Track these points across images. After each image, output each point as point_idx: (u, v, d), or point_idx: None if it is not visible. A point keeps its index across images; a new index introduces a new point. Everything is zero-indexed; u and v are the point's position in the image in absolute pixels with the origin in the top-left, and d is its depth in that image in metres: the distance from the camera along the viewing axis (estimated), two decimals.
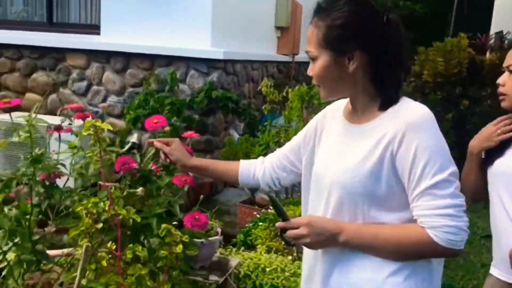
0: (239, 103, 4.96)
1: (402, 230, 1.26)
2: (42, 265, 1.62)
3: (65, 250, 1.78)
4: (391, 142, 1.25)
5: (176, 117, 4.48)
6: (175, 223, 1.87)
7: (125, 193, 1.46)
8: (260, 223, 2.89)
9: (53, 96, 5.49)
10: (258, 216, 3.14)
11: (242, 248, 2.89)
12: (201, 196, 2.26)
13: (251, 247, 2.92)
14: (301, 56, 7.27)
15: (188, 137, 2.05)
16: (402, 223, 1.28)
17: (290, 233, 1.34)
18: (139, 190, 1.56)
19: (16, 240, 1.55)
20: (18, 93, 5.56)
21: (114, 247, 1.41)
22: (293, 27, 6.94)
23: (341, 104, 1.49)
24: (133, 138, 5.25)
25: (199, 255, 2.10)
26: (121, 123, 5.18)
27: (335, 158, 1.36)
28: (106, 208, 1.38)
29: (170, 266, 1.59)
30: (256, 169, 1.71)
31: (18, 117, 1.80)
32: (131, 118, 4.42)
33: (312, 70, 1.34)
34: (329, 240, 1.29)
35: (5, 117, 4.09)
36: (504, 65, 1.73)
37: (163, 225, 1.45)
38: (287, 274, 2.36)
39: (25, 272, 1.56)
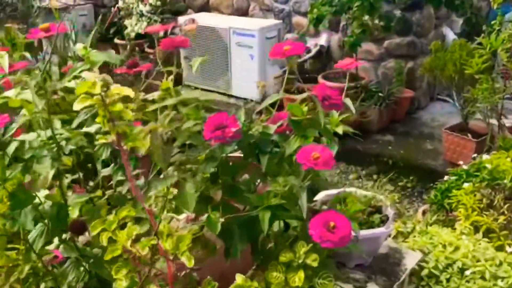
0: None
1: None
2: None
3: None
4: None
5: (368, 15, 3.53)
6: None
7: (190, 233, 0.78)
8: (466, 184, 1.97)
9: None
10: (464, 166, 2.19)
11: (434, 212, 2.05)
12: None
13: (448, 211, 2.06)
14: None
15: None
16: None
17: None
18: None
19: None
20: None
21: None
22: None
23: None
24: (321, 40, 4.49)
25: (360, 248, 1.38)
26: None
27: None
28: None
29: None
30: None
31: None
32: (313, 18, 3.64)
33: None
34: None
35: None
36: None
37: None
38: (501, 284, 1.48)
39: None
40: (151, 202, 0.84)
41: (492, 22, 3.04)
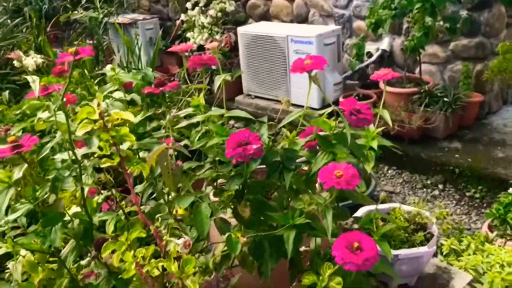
0: None
1: None
2: None
3: None
4: None
5: (430, 17, 3.38)
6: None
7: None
8: None
9: (298, 1, 4.98)
10: None
11: (496, 227, 1.91)
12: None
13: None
14: None
15: None
16: None
17: None
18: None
19: None
20: None
21: None
22: None
23: None
24: (383, 44, 4.35)
25: (393, 271, 1.31)
26: None
27: None
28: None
29: None
30: None
31: None
32: (371, 23, 3.54)
33: None
34: None
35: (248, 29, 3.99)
36: None
37: None
38: None
39: None
40: (157, 224, 0.85)
41: None
